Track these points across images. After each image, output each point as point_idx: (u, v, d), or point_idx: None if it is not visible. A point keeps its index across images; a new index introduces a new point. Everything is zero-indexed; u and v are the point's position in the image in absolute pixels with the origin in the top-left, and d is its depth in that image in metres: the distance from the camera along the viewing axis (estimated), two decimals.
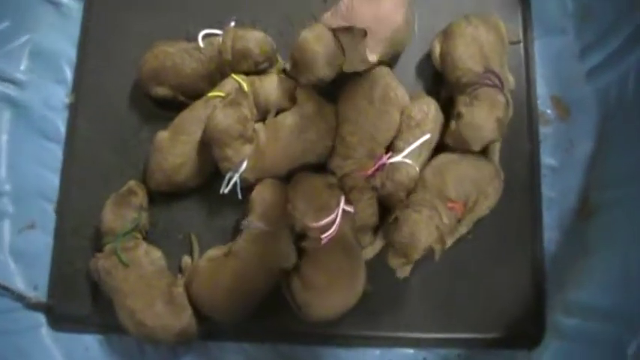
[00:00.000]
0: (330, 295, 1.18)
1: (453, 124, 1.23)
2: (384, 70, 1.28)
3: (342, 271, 1.19)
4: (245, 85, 1.28)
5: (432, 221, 1.15)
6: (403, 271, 1.25)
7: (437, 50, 1.31)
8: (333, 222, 1.17)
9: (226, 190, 1.24)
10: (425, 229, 1.14)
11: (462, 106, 1.21)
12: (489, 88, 1.21)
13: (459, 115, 1.21)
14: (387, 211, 1.27)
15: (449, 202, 1.18)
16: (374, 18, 1.20)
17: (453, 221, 1.19)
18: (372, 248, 1.27)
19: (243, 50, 1.29)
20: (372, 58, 1.22)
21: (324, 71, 1.22)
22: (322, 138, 1.26)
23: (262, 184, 1.25)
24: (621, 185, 1.24)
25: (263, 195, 1.23)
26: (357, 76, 1.26)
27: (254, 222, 1.21)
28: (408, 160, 1.23)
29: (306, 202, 1.18)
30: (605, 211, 1.27)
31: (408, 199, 1.21)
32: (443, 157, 1.24)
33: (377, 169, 1.24)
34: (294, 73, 1.25)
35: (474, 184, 1.21)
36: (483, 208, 1.24)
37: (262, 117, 1.30)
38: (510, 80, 1.30)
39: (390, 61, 1.34)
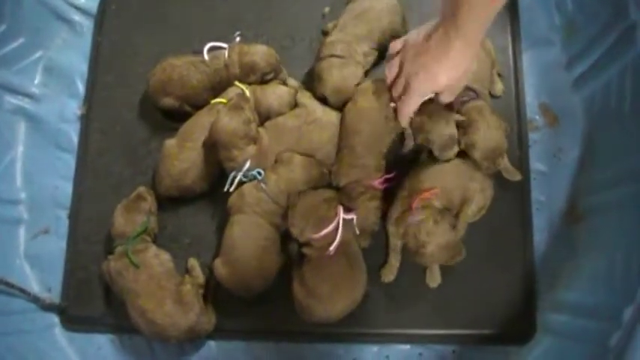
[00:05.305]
0: (332, 301, 1.20)
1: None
2: None
3: (345, 278, 1.21)
4: (247, 91, 1.33)
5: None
6: (434, 280, 1.30)
7: None
8: (333, 231, 1.18)
9: (231, 189, 1.27)
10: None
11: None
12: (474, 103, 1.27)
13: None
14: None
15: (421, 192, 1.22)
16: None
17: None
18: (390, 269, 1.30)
19: (250, 64, 1.35)
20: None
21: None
22: (324, 143, 1.30)
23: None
24: (607, 192, 1.28)
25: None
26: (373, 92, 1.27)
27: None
28: None
29: (304, 219, 1.19)
30: (593, 217, 1.31)
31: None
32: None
33: (385, 182, 1.28)
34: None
35: (457, 185, 1.24)
36: (473, 209, 1.27)
37: (262, 123, 1.33)
38: (498, 88, 1.36)
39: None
